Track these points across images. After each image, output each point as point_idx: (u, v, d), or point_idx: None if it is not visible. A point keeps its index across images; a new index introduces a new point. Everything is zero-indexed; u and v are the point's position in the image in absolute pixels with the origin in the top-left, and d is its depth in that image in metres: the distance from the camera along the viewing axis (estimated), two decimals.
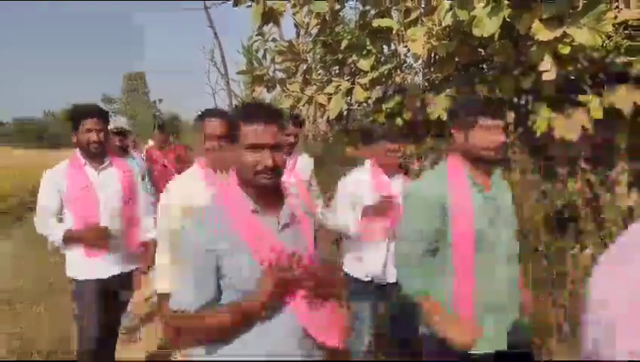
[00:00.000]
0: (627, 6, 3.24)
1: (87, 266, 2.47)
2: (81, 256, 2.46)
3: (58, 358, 3.21)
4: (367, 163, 2.70)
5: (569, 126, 3.24)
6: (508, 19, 3.42)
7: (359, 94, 5.14)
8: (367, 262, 2.53)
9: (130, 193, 2.62)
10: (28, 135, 74.82)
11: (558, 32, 3.06)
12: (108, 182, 2.54)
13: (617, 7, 3.27)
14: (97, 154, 2.51)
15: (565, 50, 3.06)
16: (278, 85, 6.40)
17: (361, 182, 2.59)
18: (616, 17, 3.18)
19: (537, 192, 3.56)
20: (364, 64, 5.10)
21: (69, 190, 2.46)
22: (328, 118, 5.44)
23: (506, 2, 3.35)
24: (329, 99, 5.37)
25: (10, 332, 3.49)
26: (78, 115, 2.51)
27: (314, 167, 3.30)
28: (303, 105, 5.88)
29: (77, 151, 2.55)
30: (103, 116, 2.56)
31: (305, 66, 5.95)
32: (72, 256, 2.50)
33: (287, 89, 6.07)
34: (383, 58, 5.35)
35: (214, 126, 1.89)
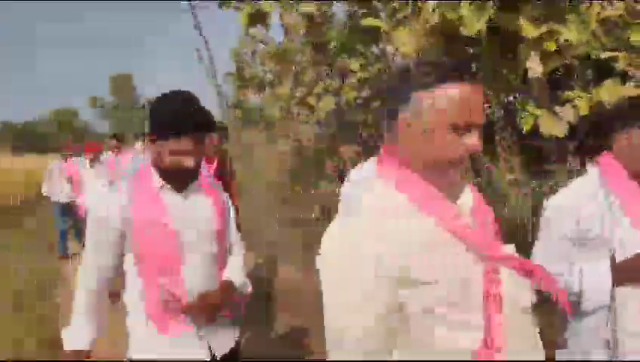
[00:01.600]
0: (610, 2, 3.29)
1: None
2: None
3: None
4: (593, 171, 1.64)
5: (556, 122, 3.27)
6: (493, 18, 3.44)
7: (349, 94, 5.15)
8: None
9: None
10: (14, 138, 74.04)
11: (544, 29, 3.08)
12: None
13: (600, 3, 3.31)
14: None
15: (552, 47, 3.09)
16: (267, 87, 6.40)
17: (592, 206, 1.54)
18: (599, 13, 3.21)
19: (526, 189, 3.59)
20: (353, 64, 5.11)
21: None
22: (318, 118, 5.44)
23: (491, 1, 3.37)
24: (318, 100, 5.38)
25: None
26: None
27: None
28: (293, 107, 5.89)
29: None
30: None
31: (294, 68, 5.95)
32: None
33: (277, 91, 6.07)
34: (372, 58, 5.36)
35: None
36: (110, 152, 6.95)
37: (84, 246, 1.68)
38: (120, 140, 7.12)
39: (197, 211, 1.66)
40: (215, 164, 3.85)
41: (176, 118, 1.53)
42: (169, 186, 1.63)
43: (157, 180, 1.62)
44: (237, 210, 2.61)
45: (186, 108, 1.56)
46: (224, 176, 3.81)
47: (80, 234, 6.61)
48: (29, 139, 74.23)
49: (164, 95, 1.61)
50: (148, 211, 1.56)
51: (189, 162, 1.53)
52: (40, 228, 8.55)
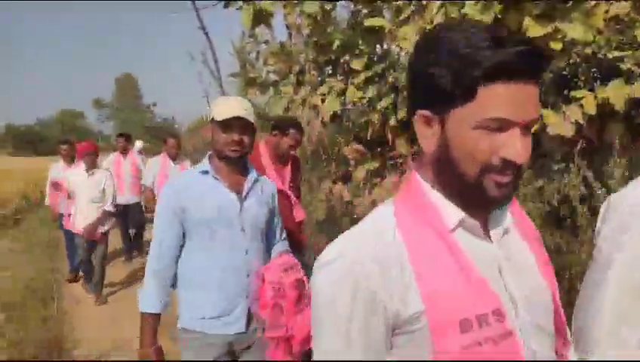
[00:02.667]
0: (617, 0, 3.25)
1: None
2: None
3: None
4: None
5: (563, 122, 3.24)
6: (499, 17, 3.41)
7: (353, 94, 5.12)
8: None
9: None
10: (21, 141, 74.34)
11: (550, 28, 3.05)
12: None
13: (609, 1, 3.27)
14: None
15: (557, 46, 3.06)
16: (271, 87, 6.37)
17: None
18: (607, 12, 3.18)
19: (532, 189, 3.56)
20: (357, 64, 5.08)
21: None
22: (322, 119, 5.41)
23: (496, 0, 3.35)
24: (323, 100, 5.35)
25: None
26: None
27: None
28: (297, 107, 5.87)
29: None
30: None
31: (297, 68, 5.93)
32: None
33: (281, 91, 6.05)
34: (375, 57, 5.34)
35: None
36: (117, 153, 6.65)
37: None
38: (127, 140, 6.84)
39: None
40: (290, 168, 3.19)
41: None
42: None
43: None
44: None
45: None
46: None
47: (71, 254, 5.58)
48: (32, 141, 74.61)
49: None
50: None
51: None
52: (40, 229, 8.56)
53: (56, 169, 5.95)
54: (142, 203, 6.63)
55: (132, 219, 6.70)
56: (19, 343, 3.40)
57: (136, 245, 6.96)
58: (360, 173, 5.44)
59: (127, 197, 6.40)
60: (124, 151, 6.64)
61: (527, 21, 3.15)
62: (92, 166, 4.92)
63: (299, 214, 3.10)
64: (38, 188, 13.33)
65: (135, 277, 5.89)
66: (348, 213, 5.56)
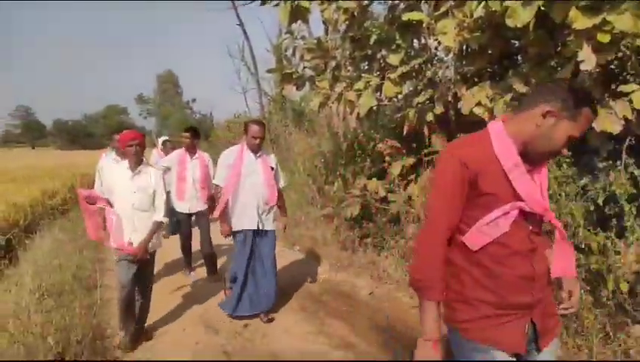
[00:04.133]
0: None
1: None
2: None
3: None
4: None
5: (610, 117, 3.10)
6: (543, 8, 3.30)
7: (389, 90, 5.07)
8: None
9: None
10: (67, 135, 77.53)
11: (597, 20, 2.92)
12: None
13: None
14: None
15: (605, 39, 2.92)
16: (307, 83, 6.39)
17: None
18: None
19: (575, 187, 3.43)
20: (394, 59, 5.02)
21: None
22: (358, 114, 5.39)
23: None
24: (358, 96, 5.32)
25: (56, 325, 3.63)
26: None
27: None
28: (333, 103, 5.86)
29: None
30: None
31: (334, 63, 5.92)
32: None
33: (317, 86, 6.05)
34: (412, 52, 5.26)
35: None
36: (182, 150, 5.50)
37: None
38: (195, 135, 5.56)
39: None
40: None
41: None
42: None
43: None
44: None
45: None
46: None
47: None
48: (79, 135, 77.77)
49: None
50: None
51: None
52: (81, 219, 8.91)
53: (106, 160, 5.40)
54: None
55: (200, 234, 5.49)
56: (64, 329, 3.56)
57: (213, 268, 5.62)
58: (395, 169, 5.39)
59: (192, 204, 5.45)
60: (191, 150, 5.49)
61: (573, 13, 3.02)
62: (138, 162, 3.71)
63: None
64: (85, 181, 13.93)
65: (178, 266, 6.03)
66: (382, 209, 5.53)
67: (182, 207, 5.48)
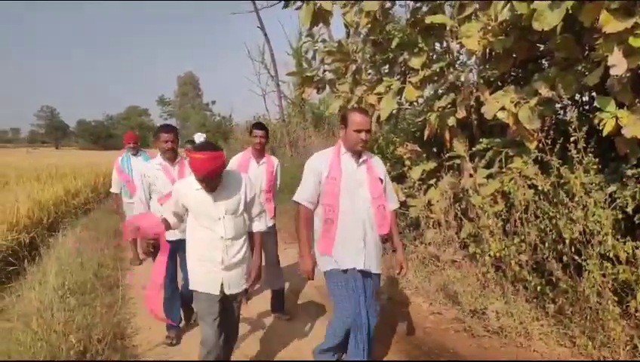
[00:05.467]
0: None
1: None
2: None
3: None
4: None
5: None
6: (571, 12, 3.23)
7: (410, 93, 5.03)
8: None
9: None
10: (89, 136, 79.06)
11: (629, 23, 2.85)
12: None
13: None
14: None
15: (636, 43, 2.84)
16: (327, 86, 6.39)
17: None
18: None
19: (603, 194, 3.34)
20: (416, 62, 4.98)
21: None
22: (378, 118, 5.36)
23: None
24: (379, 99, 5.29)
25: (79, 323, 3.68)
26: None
27: None
28: (352, 106, 5.84)
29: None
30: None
31: (354, 66, 5.90)
32: None
33: (337, 90, 6.04)
34: (435, 56, 5.21)
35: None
36: (247, 152, 4.27)
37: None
38: (267, 135, 4.27)
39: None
40: None
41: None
42: None
43: None
44: None
45: None
46: None
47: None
48: (101, 136, 79.29)
49: None
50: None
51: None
52: (107, 219, 9.06)
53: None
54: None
55: (267, 252, 4.15)
56: (86, 327, 3.61)
57: (281, 305, 4.36)
58: (415, 173, 5.34)
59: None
60: (260, 153, 4.24)
61: (604, 16, 2.95)
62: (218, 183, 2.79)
63: None
64: (107, 180, 14.17)
65: None
66: (401, 214, 5.48)
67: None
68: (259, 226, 2.98)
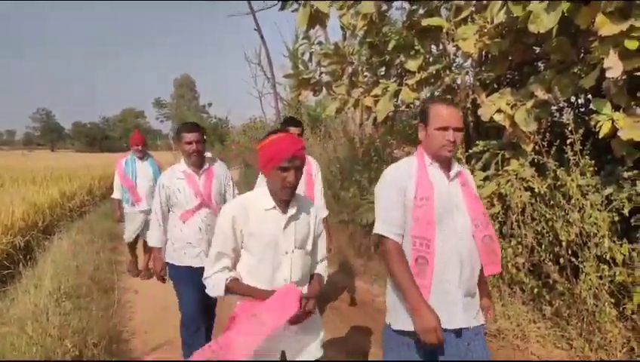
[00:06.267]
0: None
1: None
2: None
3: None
4: None
5: (637, 126, 3.02)
6: (567, 14, 3.24)
7: (407, 95, 5.03)
8: None
9: None
10: (85, 138, 78.89)
11: (625, 26, 2.85)
12: None
13: None
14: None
15: (632, 45, 2.85)
16: (324, 88, 6.38)
17: None
18: None
19: (599, 196, 3.35)
20: (412, 64, 4.98)
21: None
22: (375, 120, 5.35)
23: None
24: (376, 102, 5.29)
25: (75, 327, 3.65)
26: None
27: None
28: (349, 108, 5.84)
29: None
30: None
31: (351, 69, 5.90)
32: None
33: (333, 92, 6.04)
34: (431, 58, 5.22)
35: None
36: None
37: None
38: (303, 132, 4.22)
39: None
40: None
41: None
42: None
43: None
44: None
45: None
46: None
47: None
48: (96, 138, 79.03)
49: None
50: None
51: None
52: (103, 222, 9.02)
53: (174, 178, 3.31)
54: None
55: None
56: (81, 331, 3.58)
57: None
58: None
59: None
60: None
61: (600, 18, 2.96)
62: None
63: None
64: (103, 183, 14.11)
65: None
66: None
67: None
68: (322, 270, 2.19)
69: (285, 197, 1.90)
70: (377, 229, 2.00)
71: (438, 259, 1.93)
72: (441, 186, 1.99)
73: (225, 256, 1.94)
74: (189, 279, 2.92)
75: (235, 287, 1.92)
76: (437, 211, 1.94)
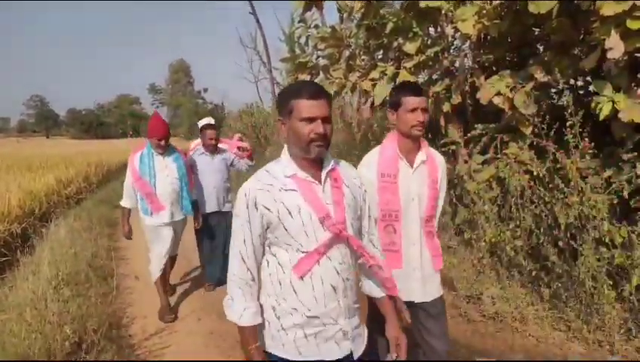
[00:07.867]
0: None
1: None
2: None
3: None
4: None
5: (638, 107, 2.99)
6: None
7: (405, 79, 4.98)
8: None
9: None
10: (80, 125, 78.26)
11: (627, 5, 2.81)
12: None
13: None
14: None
15: (634, 25, 2.81)
16: (321, 72, 6.32)
17: None
18: None
19: (599, 178, 3.34)
20: (410, 47, 4.93)
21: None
22: (372, 104, 5.31)
23: None
24: (373, 85, 5.24)
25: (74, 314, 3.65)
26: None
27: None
28: (346, 92, 5.79)
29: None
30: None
31: (348, 52, 5.84)
32: None
33: (331, 75, 5.98)
34: (429, 41, 5.16)
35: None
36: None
37: None
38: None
39: None
40: None
41: None
42: None
43: None
44: None
45: None
46: None
47: None
48: (92, 125, 78.53)
49: None
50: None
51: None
52: (100, 208, 8.99)
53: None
54: None
55: None
56: (81, 318, 3.58)
57: None
58: None
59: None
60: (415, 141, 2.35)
61: None
62: None
63: None
64: (99, 169, 14.04)
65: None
66: None
67: None
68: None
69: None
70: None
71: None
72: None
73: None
74: None
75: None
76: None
